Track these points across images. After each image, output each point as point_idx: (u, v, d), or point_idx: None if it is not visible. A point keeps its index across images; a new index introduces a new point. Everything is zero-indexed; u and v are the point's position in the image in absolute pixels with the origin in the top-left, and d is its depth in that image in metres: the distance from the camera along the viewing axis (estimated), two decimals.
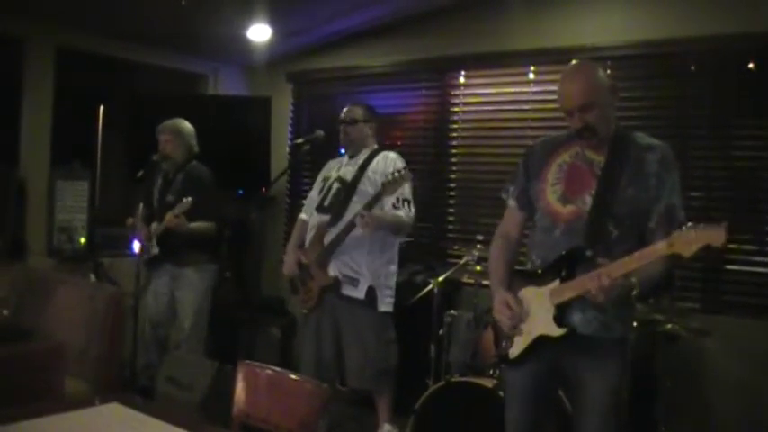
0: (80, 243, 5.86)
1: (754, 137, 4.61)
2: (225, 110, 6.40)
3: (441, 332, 4.50)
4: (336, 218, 4.31)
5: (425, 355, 4.57)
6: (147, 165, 4.92)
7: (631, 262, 2.47)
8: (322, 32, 6.10)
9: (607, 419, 2.78)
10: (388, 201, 4.18)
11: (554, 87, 5.31)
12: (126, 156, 6.03)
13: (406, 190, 4.23)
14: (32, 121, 5.71)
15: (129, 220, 5.12)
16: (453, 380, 3.96)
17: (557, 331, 2.70)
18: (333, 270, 4.30)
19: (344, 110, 4.57)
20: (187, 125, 5.02)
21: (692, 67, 4.78)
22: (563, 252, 2.73)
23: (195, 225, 4.75)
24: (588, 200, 2.76)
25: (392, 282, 4.41)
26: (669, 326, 3.91)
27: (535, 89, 5.42)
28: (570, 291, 2.65)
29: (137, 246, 4.86)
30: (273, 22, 5.64)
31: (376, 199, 4.11)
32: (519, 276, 2.93)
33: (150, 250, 4.86)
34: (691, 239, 2.31)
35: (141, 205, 5.08)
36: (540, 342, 2.76)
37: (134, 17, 5.43)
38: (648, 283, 2.60)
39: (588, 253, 2.66)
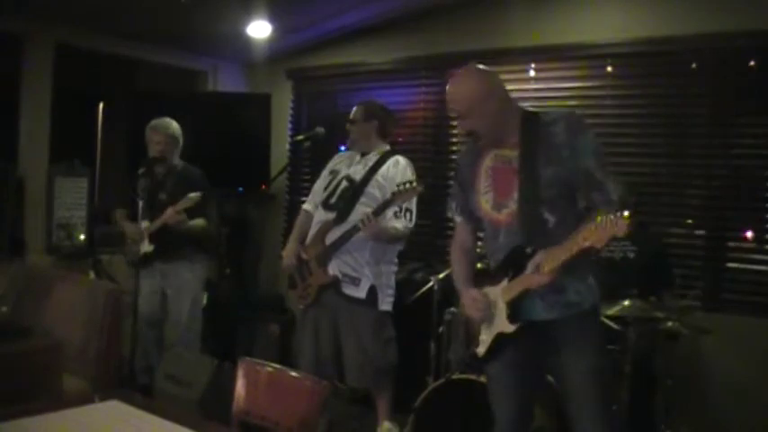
0: (79, 240, 5.85)
1: (754, 135, 4.61)
2: (224, 107, 6.39)
3: (440, 330, 4.49)
4: (341, 217, 4.30)
5: (425, 352, 4.56)
6: (146, 162, 4.91)
7: (559, 252, 2.55)
8: (322, 29, 6.08)
9: (595, 396, 2.81)
10: (391, 209, 4.18)
11: (555, 85, 5.39)
12: (125, 153, 6.02)
13: (411, 200, 4.23)
14: (31, 119, 5.69)
15: (119, 212, 5.10)
16: (453, 377, 3.95)
17: (510, 327, 2.81)
18: (333, 269, 4.29)
19: (353, 109, 4.57)
20: (176, 125, 4.99)
21: (693, 65, 4.78)
22: (505, 253, 2.84)
23: (193, 223, 4.74)
24: (516, 197, 2.82)
25: (392, 281, 4.41)
26: (669, 324, 3.90)
27: (536, 86, 5.41)
28: (517, 287, 2.76)
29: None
30: (273, 19, 5.63)
31: (384, 206, 4.10)
32: (479, 277, 3.06)
33: (140, 249, 4.84)
34: (599, 232, 2.38)
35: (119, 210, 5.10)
36: (500, 339, 2.86)
37: (133, 14, 5.42)
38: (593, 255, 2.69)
39: (528, 250, 2.73)
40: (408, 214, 4.24)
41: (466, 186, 3.06)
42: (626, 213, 2.33)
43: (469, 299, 2.96)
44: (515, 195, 2.81)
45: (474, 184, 2.99)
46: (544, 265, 2.60)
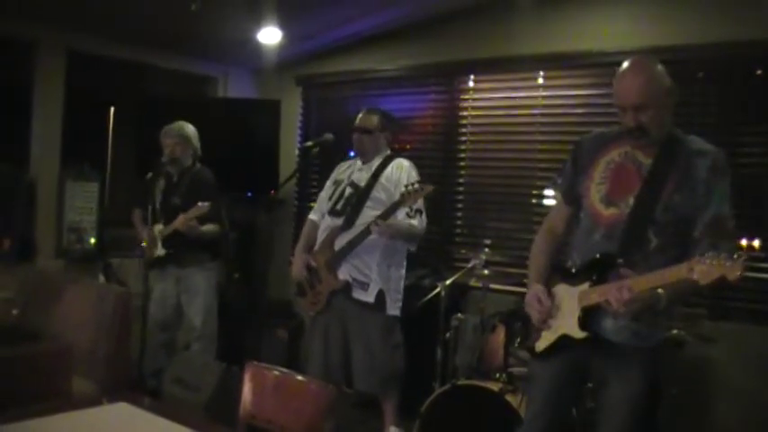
0: (89, 244, 5.88)
1: (760, 143, 4.60)
2: (234, 112, 6.43)
3: (447, 336, 4.50)
4: (349, 223, 4.32)
5: (432, 358, 4.57)
6: (156, 167, 4.95)
7: (654, 278, 2.43)
8: (332, 36, 6.12)
9: (625, 424, 2.76)
10: (402, 210, 4.20)
11: (564, 92, 5.38)
12: (136, 158, 6.06)
13: (420, 200, 4.24)
14: (43, 124, 5.75)
15: (136, 212, 5.13)
16: (459, 383, 3.96)
17: (579, 334, 2.71)
18: (343, 274, 4.31)
19: (360, 115, 4.55)
20: (191, 128, 5.03)
21: (700, 74, 4.78)
22: (597, 255, 2.72)
23: (205, 228, 4.78)
24: (631, 203, 2.71)
25: (401, 286, 4.43)
26: (675, 332, 3.90)
27: (544, 94, 5.42)
28: (596, 296, 2.64)
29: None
30: (283, 26, 5.66)
31: (393, 208, 4.13)
32: (556, 272, 2.92)
33: (154, 252, 4.88)
34: (710, 269, 2.23)
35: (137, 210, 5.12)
36: (564, 341, 2.77)
37: (144, 20, 5.47)
38: (676, 297, 2.54)
39: (620, 261, 2.63)
40: (419, 214, 4.25)
41: (581, 168, 2.92)
42: (743, 257, 2.20)
43: (534, 297, 2.85)
44: (629, 200, 2.71)
45: (590, 169, 2.87)
46: (634, 286, 2.46)
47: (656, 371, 2.85)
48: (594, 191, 2.83)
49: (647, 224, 2.66)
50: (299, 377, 2.75)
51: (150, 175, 4.98)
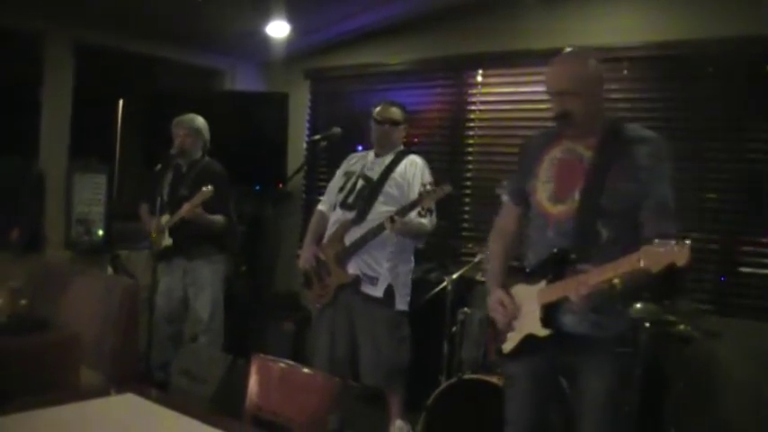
0: (98, 236, 5.90)
1: (767, 139, 4.60)
2: (242, 106, 6.44)
3: (453, 330, 4.51)
4: (360, 217, 4.33)
5: (438, 352, 4.58)
6: (164, 159, 4.95)
7: (608, 271, 2.45)
8: (340, 29, 6.11)
9: (604, 418, 2.79)
10: (415, 209, 4.20)
11: None
12: (143, 150, 6.07)
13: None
14: (51, 116, 5.76)
15: (143, 207, 5.15)
16: (465, 377, 3.97)
17: (543, 332, 2.74)
18: (353, 268, 4.32)
19: (380, 108, 4.52)
20: (202, 120, 5.04)
21: (708, 69, 4.77)
22: (551, 253, 2.75)
23: (212, 218, 4.78)
24: (577, 198, 2.75)
25: (409, 281, 4.44)
26: (681, 327, 3.90)
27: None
28: (555, 293, 2.68)
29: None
30: (292, 19, 5.66)
31: (411, 207, 4.12)
32: (513, 273, 2.97)
33: (161, 242, 4.89)
34: (658, 256, 2.27)
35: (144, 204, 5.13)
36: (529, 340, 2.80)
37: (152, 13, 5.47)
38: (632, 286, 2.53)
39: (573, 256, 2.67)
40: (430, 214, 4.26)
41: (526, 169, 2.95)
42: (688, 242, 2.23)
43: (497, 301, 2.91)
44: (576, 196, 2.74)
45: (536, 169, 2.90)
46: (590, 280, 2.50)
47: (625, 359, 2.88)
48: (542, 190, 2.87)
49: (596, 217, 2.70)
50: (305, 370, 2.77)
51: (159, 166, 4.99)
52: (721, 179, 4.72)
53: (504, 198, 3.13)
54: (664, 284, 4.09)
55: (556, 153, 2.87)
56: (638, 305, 3.84)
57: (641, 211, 2.67)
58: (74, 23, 5.67)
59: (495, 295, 2.93)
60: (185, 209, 4.68)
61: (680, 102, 4.89)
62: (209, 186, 4.63)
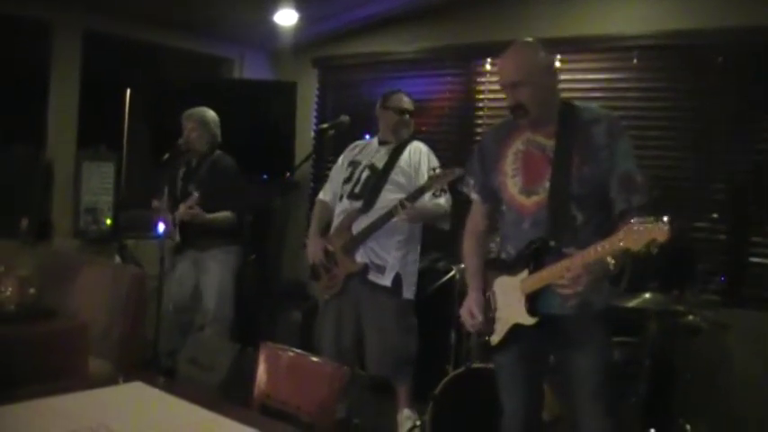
0: (106, 224, 5.91)
1: None
2: (250, 94, 6.41)
3: (461, 319, 4.50)
4: (368, 206, 4.32)
5: (446, 341, 4.58)
6: (172, 149, 4.94)
7: (591, 254, 2.49)
8: (348, 18, 6.10)
9: (597, 395, 2.82)
10: (428, 194, 4.19)
11: (579, 76, 5.35)
12: (152, 139, 6.07)
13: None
14: (60, 104, 5.76)
15: (155, 203, 5.15)
16: (473, 366, 3.96)
17: (529, 320, 2.78)
18: (361, 257, 4.31)
19: (396, 96, 4.52)
20: (212, 114, 5.02)
21: (719, 59, 4.74)
22: (528, 243, 2.79)
23: (213, 216, 4.79)
24: (547, 188, 2.78)
25: (416, 269, 4.44)
26: (690, 318, 3.89)
27: (561, 77, 5.36)
28: (539, 281, 2.72)
29: (161, 227, 4.87)
30: (300, 7, 5.65)
31: (420, 192, 4.12)
32: (494, 265, 3.02)
33: (174, 236, 4.90)
34: (638, 234, 2.31)
35: (167, 190, 5.10)
36: (517, 329, 2.85)
37: (161, 1, 5.46)
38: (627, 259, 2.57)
39: (552, 243, 2.71)
40: (445, 193, 4.25)
41: (489, 165, 3.01)
42: (666, 218, 2.27)
43: (467, 311, 3.02)
44: (546, 185, 2.78)
45: (499, 164, 2.95)
46: (575, 261, 2.54)
47: (606, 335, 2.95)
48: (511, 184, 2.91)
49: (569, 202, 2.75)
50: (313, 358, 2.77)
51: (167, 156, 4.98)
52: (731, 169, 4.70)
53: (474, 196, 3.16)
54: (672, 272, 4.12)
55: (518, 146, 2.91)
56: (647, 295, 3.85)
57: (609, 188, 2.72)
58: (82, 11, 5.67)
59: (470, 299, 3.02)
60: (182, 211, 4.72)
61: (689, 91, 4.88)
62: (196, 194, 4.70)
